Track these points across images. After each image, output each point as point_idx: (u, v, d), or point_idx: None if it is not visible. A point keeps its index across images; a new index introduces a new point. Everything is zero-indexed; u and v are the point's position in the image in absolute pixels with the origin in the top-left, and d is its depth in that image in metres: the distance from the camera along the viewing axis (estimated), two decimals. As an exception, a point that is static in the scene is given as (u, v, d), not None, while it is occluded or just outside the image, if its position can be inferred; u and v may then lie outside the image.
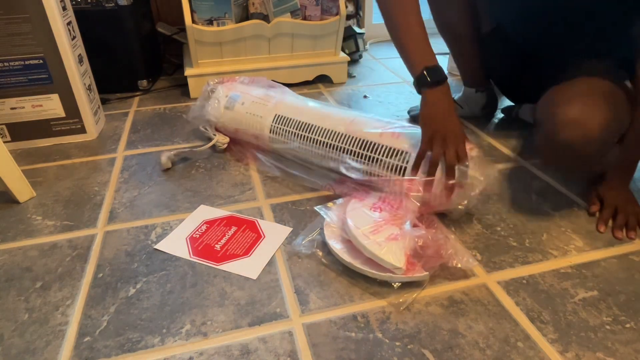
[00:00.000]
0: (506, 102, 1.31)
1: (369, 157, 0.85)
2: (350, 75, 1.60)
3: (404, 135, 0.84)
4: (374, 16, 2.02)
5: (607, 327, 0.63)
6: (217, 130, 1.09)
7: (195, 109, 1.12)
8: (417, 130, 0.83)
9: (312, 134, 0.93)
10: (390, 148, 0.83)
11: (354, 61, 1.75)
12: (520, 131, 1.19)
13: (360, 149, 0.86)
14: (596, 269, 0.74)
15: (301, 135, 0.94)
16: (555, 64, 0.98)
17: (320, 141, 0.91)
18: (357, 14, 1.79)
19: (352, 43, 1.68)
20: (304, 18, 1.39)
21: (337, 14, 1.40)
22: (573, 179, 0.97)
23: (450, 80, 1.56)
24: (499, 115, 1.29)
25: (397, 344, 0.60)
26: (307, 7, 1.38)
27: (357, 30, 1.69)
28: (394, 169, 0.82)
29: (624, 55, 0.88)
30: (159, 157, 1.02)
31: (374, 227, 0.73)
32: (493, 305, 0.67)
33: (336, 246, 0.73)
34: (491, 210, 0.87)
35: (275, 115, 0.99)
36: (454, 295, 0.68)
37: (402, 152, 0.82)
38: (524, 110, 1.22)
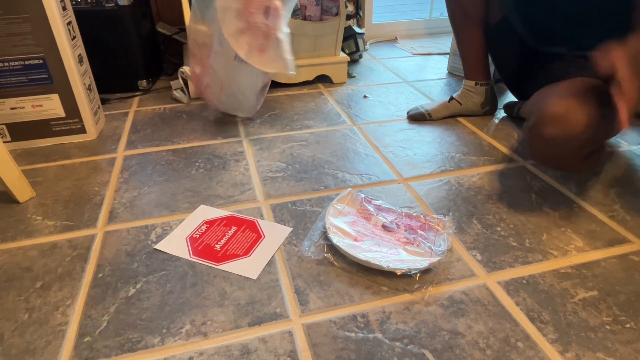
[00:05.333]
0: (507, 101, 1.31)
1: None
2: (350, 75, 1.60)
3: None
4: (374, 16, 2.02)
5: (607, 327, 0.63)
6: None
7: None
8: None
9: None
10: None
11: (354, 61, 1.75)
12: (520, 131, 1.19)
13: None
14: (596, 269, 0.74)
15: None
16: (560, 62, 0.98)
17: None
18: (357, 14, 1.79)
19: (352, 43, 1.68)
20: (304, 18, 1.40)
21: (337, 14, 1.40)
22: (573, 179, 0.97)
23: (450, 79, 1.58)
24: (499, 115, 1.29)
25: (397, 344, 0.60)
26: (307, 7, 1.38)
27: (357, 30, 1.69)
28: None
29: None
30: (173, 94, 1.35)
31: None
32: (493, 305, 0.67)
33: (342, 243, 0.73)
34: (491, 210, 0.87)
35: None
36: (454, 295, 0.68)
37: None
38: (525, 108, 1.22)
